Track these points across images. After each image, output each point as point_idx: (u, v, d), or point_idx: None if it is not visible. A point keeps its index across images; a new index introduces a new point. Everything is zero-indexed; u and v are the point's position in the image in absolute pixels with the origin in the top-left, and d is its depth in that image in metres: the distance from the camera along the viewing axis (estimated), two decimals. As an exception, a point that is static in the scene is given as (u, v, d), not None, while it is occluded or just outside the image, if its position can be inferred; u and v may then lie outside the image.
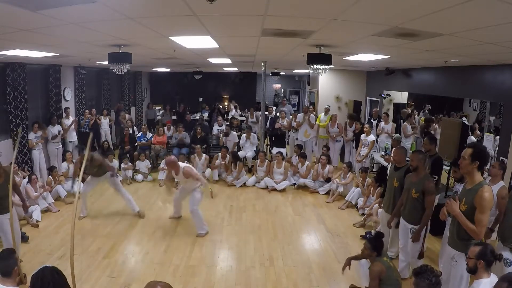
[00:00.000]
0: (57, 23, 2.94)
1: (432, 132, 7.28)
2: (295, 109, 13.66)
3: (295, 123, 8.82)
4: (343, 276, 4.10)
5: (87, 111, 9.01)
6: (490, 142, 5.91)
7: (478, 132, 7.11)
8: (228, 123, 10.22)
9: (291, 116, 9.34)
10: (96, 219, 5.57)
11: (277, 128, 8.36)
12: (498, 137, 5.63)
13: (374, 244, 3.23)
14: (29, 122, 6.95)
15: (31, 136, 6.99)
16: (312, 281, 4.00)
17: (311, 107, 10.35)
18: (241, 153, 8.24)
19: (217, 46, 4.77)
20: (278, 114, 10.17)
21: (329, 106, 9.67)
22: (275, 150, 8.26)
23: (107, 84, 10.60)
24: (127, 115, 10.26)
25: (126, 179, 7.56)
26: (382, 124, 7.95)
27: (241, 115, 13.12)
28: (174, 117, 12.39)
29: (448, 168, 5.35)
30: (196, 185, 5.13)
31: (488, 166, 4.10)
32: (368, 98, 10.87)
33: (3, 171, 3.89)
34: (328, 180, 7.06)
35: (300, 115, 8.95)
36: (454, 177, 4.12)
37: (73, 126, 8.18)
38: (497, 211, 3.48)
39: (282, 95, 18.40)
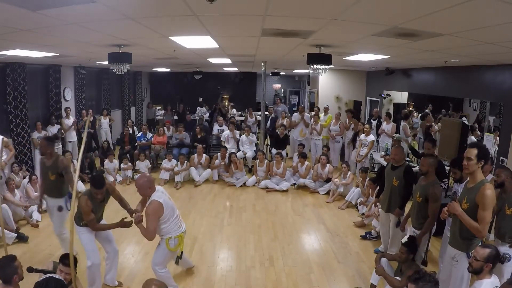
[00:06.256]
0: (57, 23, 2.94)
1: (432, 133, 7.28)
2: (295, 109, 13.66)
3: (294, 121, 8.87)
4: (343, 276, 4.11)
5: (84, 111, 8.95)
6: (490, 142, 5.91)
7: (478, 132, 7.11)
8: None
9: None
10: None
11: (280, 133, 8.37)
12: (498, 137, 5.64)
13: (411, 248, 3.34)
14: (29, 122, 6.95)
15: (35, 135, 6.99)
16: (312, 281, 4.00)
17: (316, 108, 10.30)
18: (240, 154, 8.24)
19: (217, 46, 4.77)
20: (273, 114, 10.31)
21: (328, 106, 9.68)
22: (275, 150, 8.26)
23: (107, 84, 10.60)
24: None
25: (126, 179, 7.57)
26: (384, 124, 7.96)
27: (240, 115, 13.14)
28: (176, 117, 12.42)
29: (448, 168, 5.35)
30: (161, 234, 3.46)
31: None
32: (368, 98, 10.87)
33: (108, 188, 3.64)
34: (328, 180, 7.06)
35: (295, 115, 8.96)
36: (454, 177, 4.12)
37: (72, 126, 8.18)
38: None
39: (282, 95, 18.41)
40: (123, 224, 3.55)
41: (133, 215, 3.47)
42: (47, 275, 2.56)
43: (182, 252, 3.66)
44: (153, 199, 3.31)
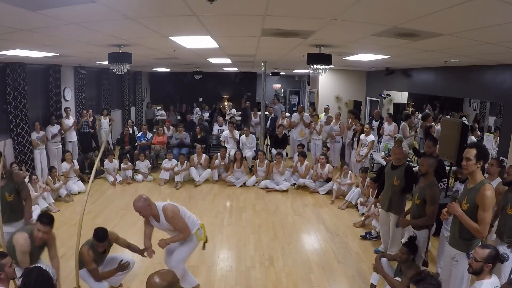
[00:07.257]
0: (57, 23, 2.94)
1: (433, 133, 7.27)
2: (295, 109, 13.68)
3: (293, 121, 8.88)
4: (343, 276, 4.11)
5: (84, 111, 8.95)
6: (490, 142, 5.91)
7: (478, 133, 7.11)
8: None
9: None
10: (96, 219, 5.56)
11: (278, 133, 8.38)
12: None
13: (411, 248, 3.38)
14: (29, 122, 6.94)
15: (34, 135, 6.98)
16: (312, 281, 4.00)
17: (310, 108, 10.35)
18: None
19: (217, 46, 4.77)
20: (273, 114, 10.36)
21: (328, 106, 9.69)
22: (275, 150, 8.26)
23: (107, 84, 10.59)
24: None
25: (126, 179, 7.57)
26: (385, 124, 7.96)
27: (240, 115, 13.14)
28: (179, 117, 12.46)
29: (448, 168, 5.35)
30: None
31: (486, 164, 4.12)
32: (368, 98, 10.88)
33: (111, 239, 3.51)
34: (328, 180, 7.05)
35: (295, 115, 8.97)
36: (459, 178, 4.11)
37: (73, 126, 8.18)
38: (495, 207, 3.50)
39: (282, 95, 18.41)
40: (121, 268, 3.56)
41: (146, 252, 3.53)
42: (34, 265, 2.57)
43: (206, 237, 3.74)
44: (162, 206, 3.37)
